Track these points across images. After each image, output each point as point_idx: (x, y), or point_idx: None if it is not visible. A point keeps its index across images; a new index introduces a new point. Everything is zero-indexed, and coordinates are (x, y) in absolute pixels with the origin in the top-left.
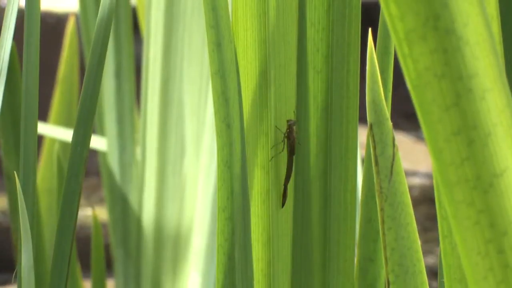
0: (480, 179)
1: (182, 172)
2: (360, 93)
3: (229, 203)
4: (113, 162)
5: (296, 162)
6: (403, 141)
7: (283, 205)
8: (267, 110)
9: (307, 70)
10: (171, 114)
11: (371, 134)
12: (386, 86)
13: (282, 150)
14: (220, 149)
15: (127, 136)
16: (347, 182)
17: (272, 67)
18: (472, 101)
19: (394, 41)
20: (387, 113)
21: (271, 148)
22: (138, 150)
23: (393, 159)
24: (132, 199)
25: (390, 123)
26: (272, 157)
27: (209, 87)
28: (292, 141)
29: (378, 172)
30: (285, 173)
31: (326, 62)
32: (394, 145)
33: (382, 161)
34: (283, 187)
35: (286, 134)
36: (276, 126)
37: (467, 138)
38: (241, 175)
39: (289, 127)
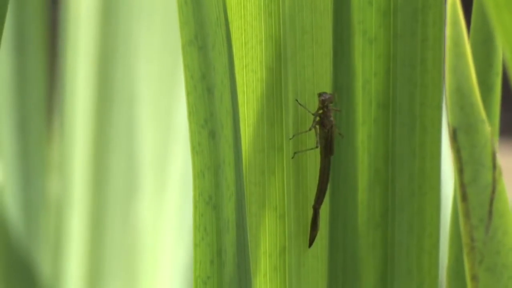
0: None
1: (133, 221)
2: None
3: (214, 271)
4: (10, 205)
5: (333, 199)
6: None
7: (310, 243)
8: (280, 106)
9: (351, 38)
10: (115, 119)
11: (455, 146)
12: (492, 65)
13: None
14: (198, 176)
15: (35, 160)
16: (422, 232)
17: (289, 32)
18: None
19: None
20: (483, 110)
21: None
22: (55, 185)
23: (493, 192)
24: (44, 269)
25: (488, 128)
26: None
27: (179, 68)
28: (328, 129)
29: (467, 214)
30: (316, 190)
31: (386, 22)
32: (495, 166)
33: (474, 195)
34: (313, 210)
35: (317, 118)
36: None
37: None
38: (235, 221)
39: (323, 103)
